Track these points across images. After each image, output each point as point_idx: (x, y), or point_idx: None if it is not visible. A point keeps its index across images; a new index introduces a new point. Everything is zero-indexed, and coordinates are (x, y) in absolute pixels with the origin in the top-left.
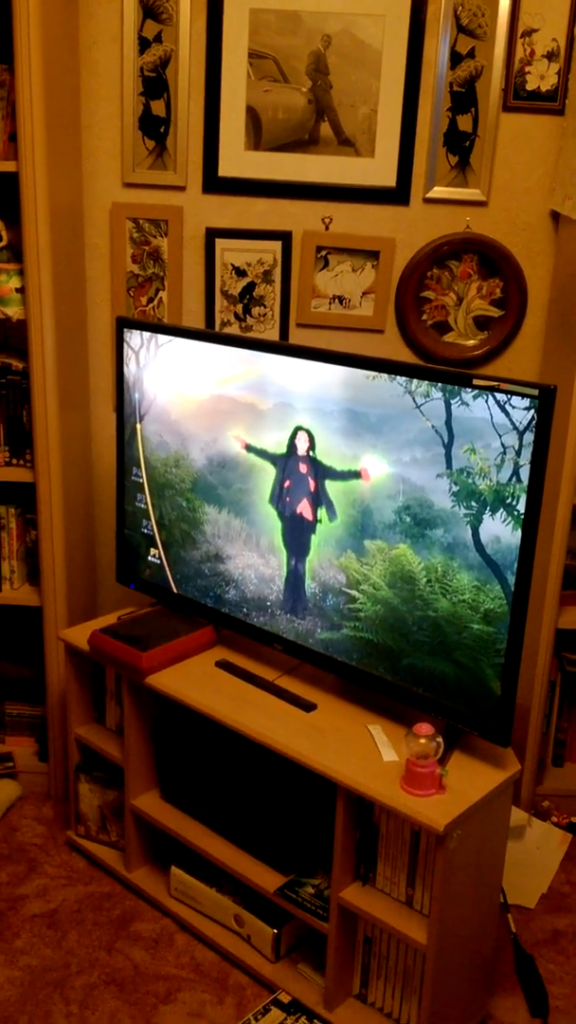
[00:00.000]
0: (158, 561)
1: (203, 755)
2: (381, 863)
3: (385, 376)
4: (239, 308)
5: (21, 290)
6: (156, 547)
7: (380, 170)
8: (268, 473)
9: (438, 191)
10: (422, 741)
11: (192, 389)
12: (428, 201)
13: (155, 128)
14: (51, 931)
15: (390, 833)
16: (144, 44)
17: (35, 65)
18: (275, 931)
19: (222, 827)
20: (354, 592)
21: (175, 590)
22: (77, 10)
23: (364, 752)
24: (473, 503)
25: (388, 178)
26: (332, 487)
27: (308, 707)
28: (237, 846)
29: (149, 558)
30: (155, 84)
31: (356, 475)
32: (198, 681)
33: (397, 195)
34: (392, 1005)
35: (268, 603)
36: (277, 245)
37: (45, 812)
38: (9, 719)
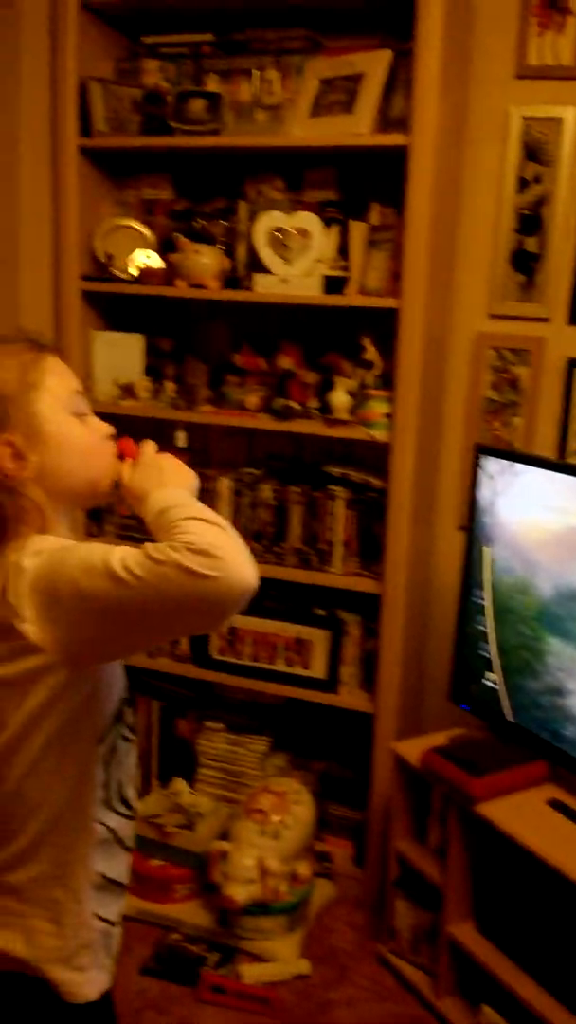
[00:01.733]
0: (494, 686)
1: (526, 895)
2: None
3: None
4: None
5: (389, 415)
6: (493, 671)
7: None
8: None
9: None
10: None
11: (546, 519)
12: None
13: (525, 263)
14: None
15: None
16: (523, 184)
17: (423, 212)
18: None
19: (540, 974)
20: None
21: (510, 718)
22: (462, 155)
23: None
24: None
25: None
26: None
27: None
28: (555, 997)
29: (484, 681)
30: (530, 222)
31: None
32: (528, 817)
33: None
34: None
35: None
36: None
37: (357, 919)
38: (330, 819)
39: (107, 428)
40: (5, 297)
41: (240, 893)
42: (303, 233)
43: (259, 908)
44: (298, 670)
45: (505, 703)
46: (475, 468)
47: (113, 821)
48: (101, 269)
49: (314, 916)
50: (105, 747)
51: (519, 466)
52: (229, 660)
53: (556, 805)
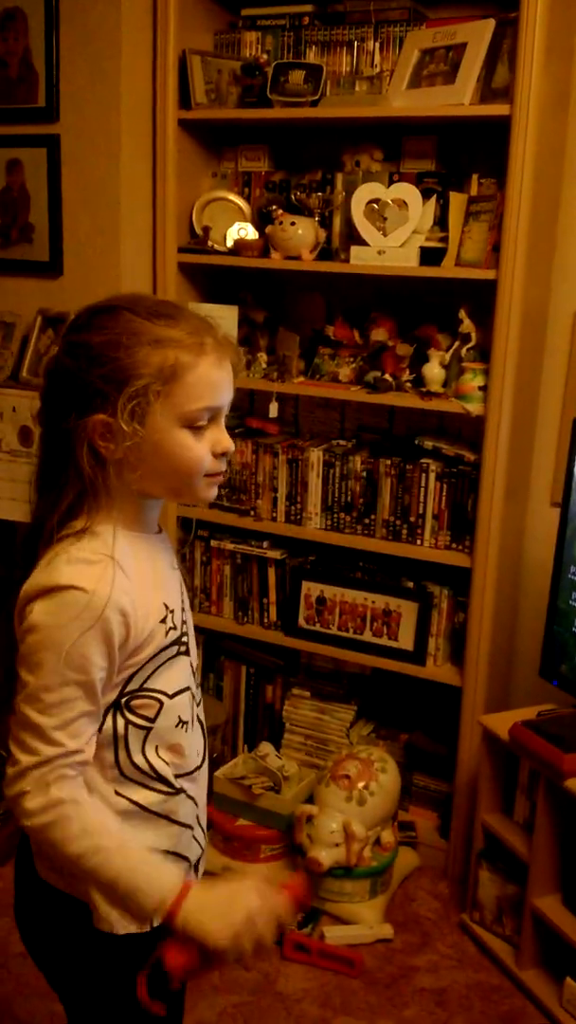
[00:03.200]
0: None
1: None
2: None
3: None
4: None
5: (484, 388)
6: None
7: None
8: None
9: None
10: None
11: None
12: None
13: None
14: (440, 1009)
15: None
16: None
17: (526, 184)
18: None
19: None
20: None
21: None
22: (566, 126)
23: None
24: None
25: None
26: None
27: None
28: None
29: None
30: None
31: None
32: None
33: None
34: None
35: None
36: None
37: (440, 889)
38: (415, 790)
39: (224, 446)
40: (108, 268)
41: (325, 856)
42: (400, 204)
43: (343, 871)
44: (385, 641)
45: None
46: (572, 443)
47: (141, 796)
48: (197, 241)
49: (397, 883)
50: (104, 735)
51: None
52: (317, 629)
53: None
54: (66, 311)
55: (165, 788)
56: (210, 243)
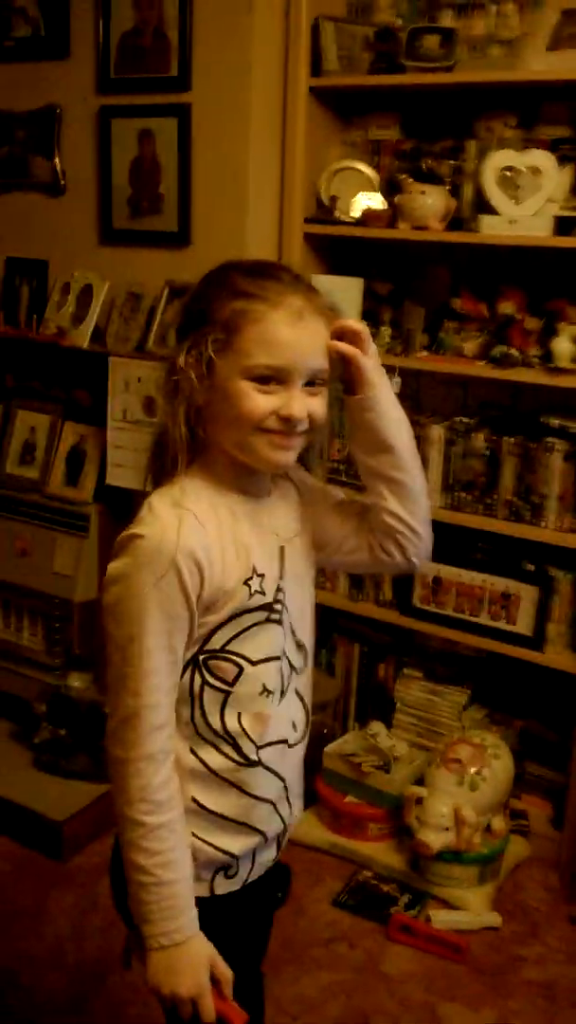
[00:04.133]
0: None
1: None
2: None
3: None
4: None
5: None
6: None
7: None
8: None
9: None
10: None
11: None
12: None
13: None
14: (546, 1003)
15: None
16: None
17: None
18: None
19: None
20: None
21: None
22: None
23: None
24: None
25: None
26: None
27: None
28: None
29: None
30: None
31: None
32: None
33: None
34: None
35: None
36: None
37: (551, 879)
38: (528, 778)
39: (289, 411)
40: (234, 239)
41: (435, 839)
42: (534, 171)
43: (452, 856)
44: (502, 624)
45: None
46: None
47: (213, 759)
48: (324, 211)
49: (507, 872)
50: (182, 691)
51: None
52: (431, 610)
53: None
54: (192, 282)
55: (237, 757)
56: (337, 213)
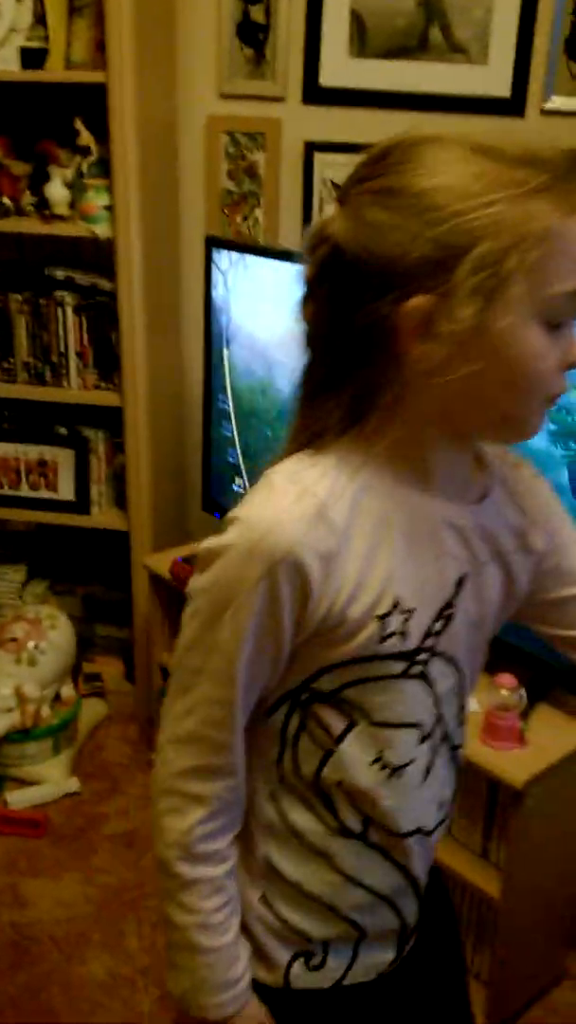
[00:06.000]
0: (243, 491)
1: None
2: (457, 813)
3: None
4: None
5: (110, 208)
6: (241, 476)
7: (493, 78)
8: None
9: (557, 101)
10: (503, 692)
11: (280, 314)
12: (546, 113)
13: (253, 35)
14: (129, 851)
15: (467, 783)
16: None
17: None
18: None
19: None
20: None
21: None
22: None
23: None
24: (572, 443)
25: (502, 87)
26: None
27: None
28: None
29: (234, 488)
30: None
31: None
32: None
33: (512, 106)
34: (467, 957)
35: None
36: None
37: (130, 733)
38: (99, 640)
39: None
40: None
41: None
42: None
43: (21, 735)
44: (45, 493)
45: None
46: (208, 264)
47: (299, 816)
48: None
49: (86, 735)
50: (273, 725)
51: (251, 259)
52: None
53: None
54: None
55: (331, 821)
56: None
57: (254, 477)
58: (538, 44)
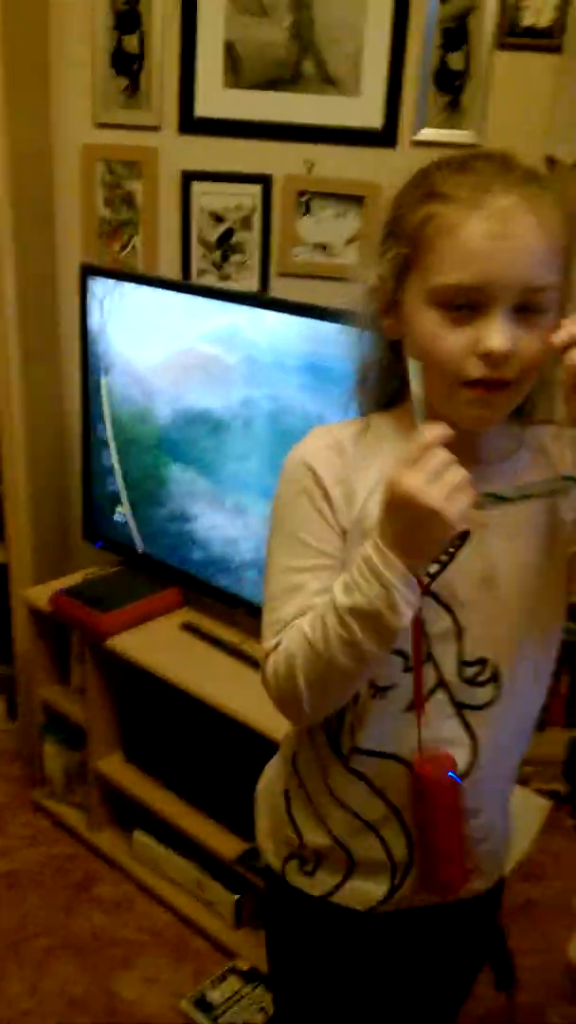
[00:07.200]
0: (124, 520)
1: (166, 718)
2: None
3: None
4: (217, 256)
5: None
6: (122, 505)
7: (366, 110)
8: (235, 432)
9: (427, 133)
10: None
11: (158, 341)
12: (417, 144)
13: (128, 65)
14: (10, 892)
15: None
16: None
17: None
18: (236, 897)
19: (185, 791)
20: None
21: (141, 549)
22: None
23: None
24: None
25: (374, 119)
26: None
27: None
28: (200, 811)
29: (115, 517)
30: (128, 18)
31: None
32: (161, 644)
33: (384, 137)
34: None
35: (233, 565)
36: (257, 189)
37: (13, 771)
38: None
39: (487, 345)
40: None
41: None
42: None
43: None
44: None
45: (136, 535)
46: (83, 292)
47: (315, 727)
48: None
49: None
50: None
51: (128, 286)
52: None
53: (188, 628)
54: None
55: (330, 734)
56: None
57: (136, 505)
58: (408, 76)
